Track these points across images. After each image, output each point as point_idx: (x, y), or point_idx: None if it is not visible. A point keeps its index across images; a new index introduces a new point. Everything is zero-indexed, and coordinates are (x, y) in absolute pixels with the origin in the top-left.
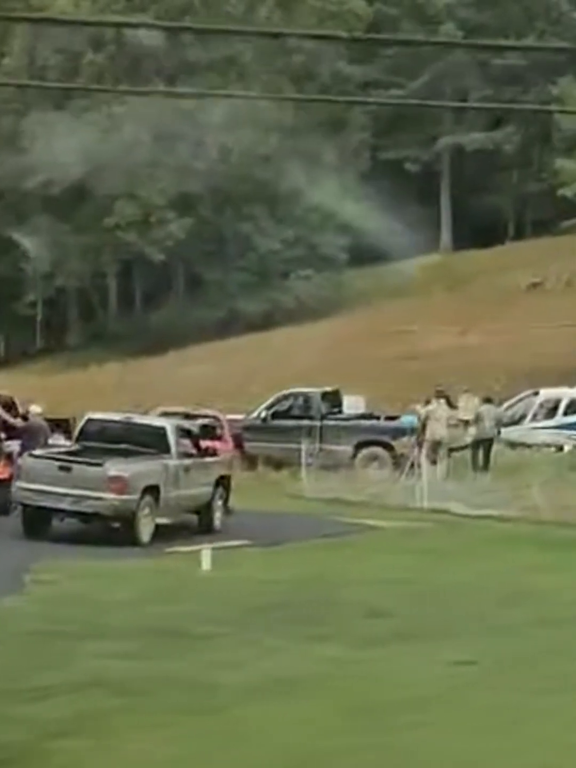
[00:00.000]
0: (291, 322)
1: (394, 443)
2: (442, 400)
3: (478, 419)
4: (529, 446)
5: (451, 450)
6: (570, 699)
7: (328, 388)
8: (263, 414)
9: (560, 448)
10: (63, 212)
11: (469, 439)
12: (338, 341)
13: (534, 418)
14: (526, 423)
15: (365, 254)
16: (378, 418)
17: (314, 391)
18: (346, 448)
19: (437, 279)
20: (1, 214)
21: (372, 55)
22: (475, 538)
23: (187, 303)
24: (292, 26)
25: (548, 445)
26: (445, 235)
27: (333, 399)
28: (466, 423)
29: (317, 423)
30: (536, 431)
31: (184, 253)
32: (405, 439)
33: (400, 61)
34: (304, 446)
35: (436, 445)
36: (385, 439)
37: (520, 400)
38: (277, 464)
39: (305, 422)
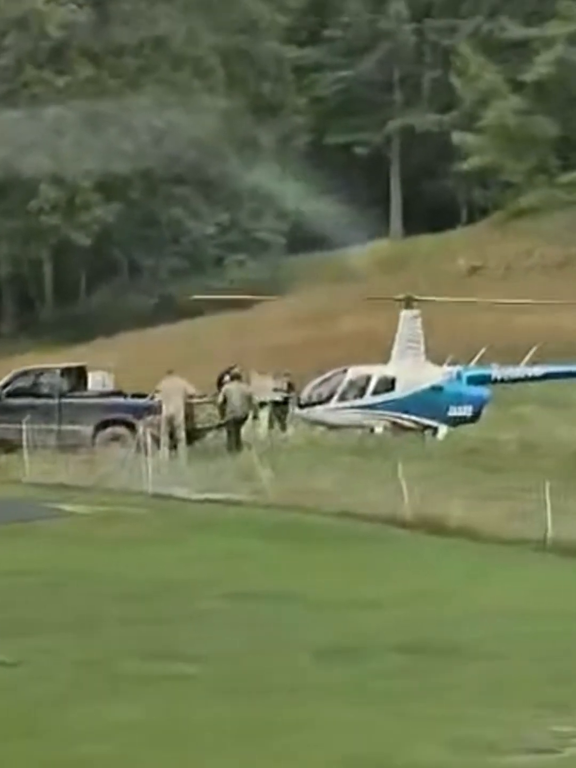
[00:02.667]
0: (225, 309)
1: (137, 422)
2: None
3: (226, 399)
4: (336, 427)
5: (197, 431)
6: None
7: (71, 365)
8: None
9: (372, 430)
10: None
11: (219, 421)
12: (261, 326)
13: (342, 397)
14: (333, 402)
15: (312, 240)
16: (125, 395)
17: (52, 367)
18: (87, 429)
19: (380, 264)
20: None
21: (315, 37)
22: (178, 525)
23: (120, 289)
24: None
25: (360, 427)
26: (395, 221)
27: (76, 376)
28: (222, 403)
29: (55, 402)
30: (342, 411)
31: (115, 237)
32: (150, 418)
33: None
34: (24, 427)
35: (171, 423)
36: (128, 418)
37: (328, 378)
38: (10, 447)
39: (43, 401)
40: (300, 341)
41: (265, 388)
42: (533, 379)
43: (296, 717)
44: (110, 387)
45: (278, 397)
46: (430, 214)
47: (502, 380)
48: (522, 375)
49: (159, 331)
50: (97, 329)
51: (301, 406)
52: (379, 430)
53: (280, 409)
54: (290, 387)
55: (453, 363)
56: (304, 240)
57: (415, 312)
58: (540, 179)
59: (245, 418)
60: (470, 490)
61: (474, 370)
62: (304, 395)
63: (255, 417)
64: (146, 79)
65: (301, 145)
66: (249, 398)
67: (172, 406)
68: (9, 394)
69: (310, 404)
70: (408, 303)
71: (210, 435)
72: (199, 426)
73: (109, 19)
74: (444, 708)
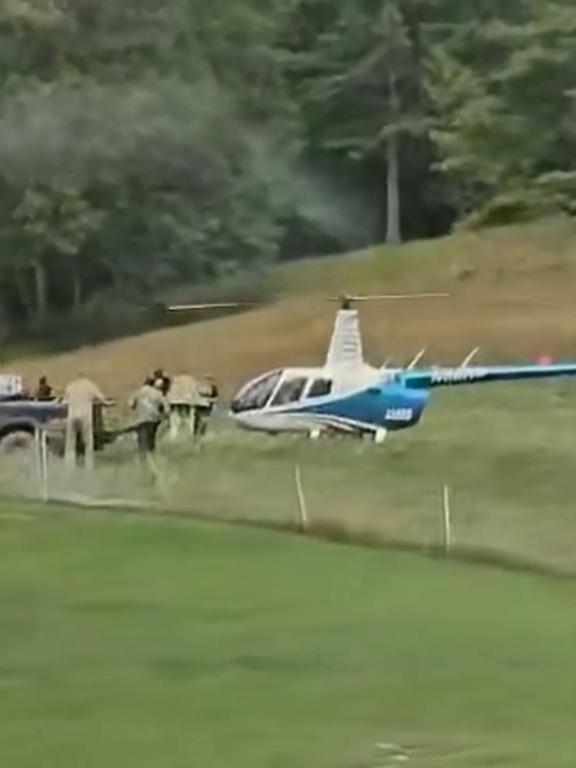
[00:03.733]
0: (216, 315)
1: (43, 427)
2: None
3: (136, 403)
4: (274, 432)
5: (106, 435)
6: None
7: None
8: None
9: (308, 434)
10: None
11: (133, 423)
12: (253, 332)
13: (277, 400)
14: (267, 406)
15: (308, 246)
16: (32, 399)
17: None
18: None
19: (375, 270)
20: None
21: (310, 41)
22: (62, 532)
23: (112, 297)
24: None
25: (295, 431)
26: (392, 226)
27: None
28: (132, 407)
29: None
30: (277, 415)
31: (102, 245)
32: (56, 422)
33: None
34: None
35: (77, 427)
36: (32, 422)
37: (264, 380)
38: None
39: None
40: (291, 347)
41: (186, 391)
42: (475, 380)
43: (101, 735)
44: (17, 391)
45: (202, 402)
46: (428, 219)
47: (443, 382)
48: (463, 377)
49: (148, 338)
50: (88, 337)
51: (235, 410)
52: (315, 434)
53: (201, 413)
54: (214, 391)
55: (391, 365)
56: (300, 246)
57: (352, 313)
58: (515, 181)
59: (157, 423)
60: (381, 496)
61: (413, 373)
62: (239, 398)
63: (167, 421)
64: (134, 86)
65: (293, 150)
66: (160, 401)
67: (79, 411)
68: None
69: (245, 408)
70: (345, 304)
71: (120, 439)
72: (107, 430)
73: (96, 25)
74: (271, 724)
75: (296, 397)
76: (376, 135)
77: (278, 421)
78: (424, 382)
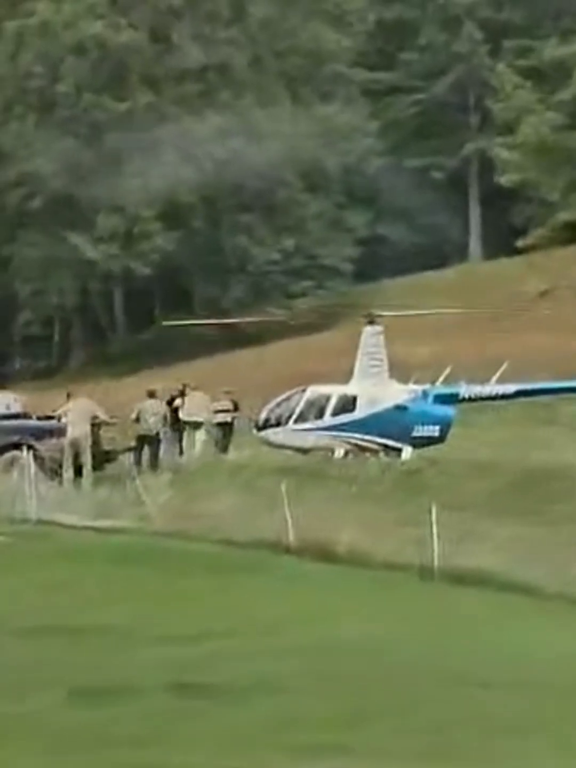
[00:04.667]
0: (288, 336)
1: (38, 446)
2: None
3: (139, 417)
4: (303, 451)
5: (106, 454)
6: None
7: None
8: None
9: (332, 453)
10: (47, 227)
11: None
12: (319, 354)
13: (300, 418)
14: (291, 423)
15: (387, 266)
16: (29, 417)
17: None
18: None
19: (457, 288)
20: None
21: (389, 59)
22: (38, 553)
23: (190, 318)
24: (288, 28)
25: (319, 449)
26: (474, 244)
27: None
28: (134, 421)
29: None
30: (300, 433)
31: (177, 266)
32: (54, 442)
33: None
34: None
35: (75, 446)
36: (29, 441)
37: (287, 398)
38: None
39: None
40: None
41: (198, 407)
42: (504, 397)
43: None
44: (16, 410)
45: (221, 418)
46: (512, 236)
47: (471, 399)
48: (492, 393)
49: (221, 358)
50: (164, 358)
51: (258, 428)
52: (339, 452)
53: (222, 429)
54: (235, 407)
55: (418, 381)
56: (379, 266)
57: (378, 328)
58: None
59: (158, 438)
60: (384, 514)
61: (441, 389)
62: (262, 416)
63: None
64: (208, 105)
65: (372, 169)
66: (164, 417)
67: (77, 430)
68: None
69: (268, 426)
70: (371, 319)
71: (122, 458)
72: (107, 449)
73: (171, 45)
74: (187, 754)
75: (320, 414)
76: (458, 153)
77: (301, 439)
78: (452, 399)
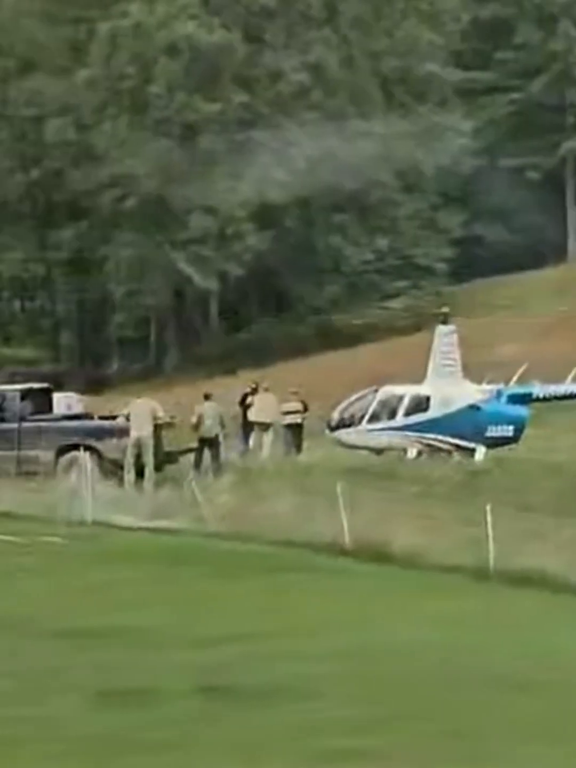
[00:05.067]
0: (383, 337)
1: (99, 446)
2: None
3: (199, 419)
4: (379, 452)
5: (168, 455)
6: None
7: (35, 386)
8: None
9: (405, 453)
10: (141, 228)
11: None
12: (412, 355)
13: (373, 418)
14: (363, 424)
15: (483, 266)
16: (91, 418)
17: (12, 389)
18: (47, 454)
19: (554, 288)
20: (86, 233)
21: (484, 58)
22: (85, 555)
23: (285, 318)
24: (381, 28)
25: (392, 449)
26: (573, 244)
27: (39, 399)
28: (195, 424)
29: (14, 425)
30: (374, 433)
31: (271, 266)
32: (114, 442)
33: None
34: None
35: (137, 446)
36: (90, 442)
37: (359, 398)
38: None
39: (1, 425)
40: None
41: (266, 408)
42: None
43: None
44: (77, 410)
45: (290, 419)
46: None
47: (545, 398)
48: (566, 392)
49: (315, 359)
50: (258, 359)
51: (331, 429)
52: (412, 452)
53: (292, 430)
54: (305, 407)
55: (491, 381)
56: (475, 266)
57: (451, 328)
58: None
59: (218, 440)
60: (443, 515)
61: (515, 389)
62: (335, 417)
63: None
64: (301, 106)
65: (467, 169)
66: (222, 418)
67: (141, 430)
68: None
69: (341, 426)
70: (444, 319)
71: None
72: (169, 449)
73: (263, 45)
74: (202, 759)
75: (393, 414)
76: (554, 153)
77: (374, 439)
78: (526, 398)
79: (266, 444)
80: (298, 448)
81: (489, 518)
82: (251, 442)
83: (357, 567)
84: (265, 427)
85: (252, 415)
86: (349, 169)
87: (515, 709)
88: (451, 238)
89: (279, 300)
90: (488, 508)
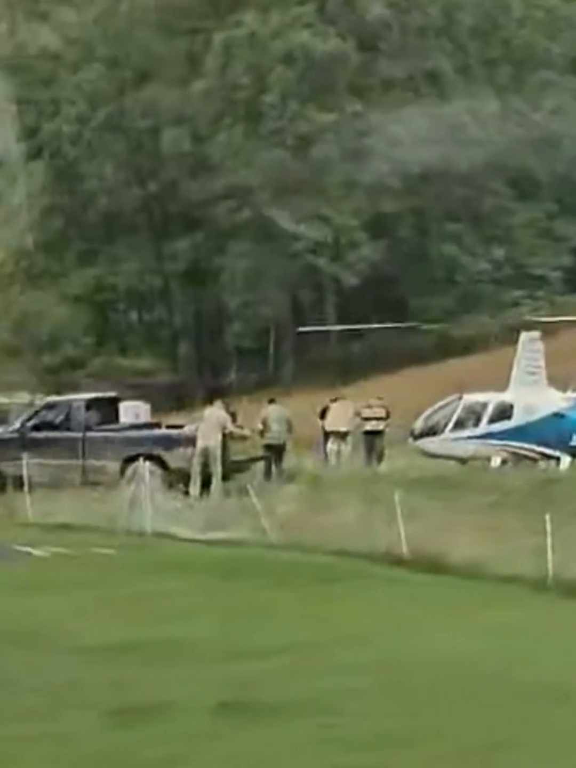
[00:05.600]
0: (499, 345)
1: (167, 456)
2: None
3: (265, 423)
4: (463, 460)
5: (236, 464)
6: None
7: (101, 396)
8: (20, 426)
9: (489, 461)
10: (254, 238)
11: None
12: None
13: (456, 426)
14: (447, 432)
15: None
16: (158, 427)
17: (78, 398)
18: (113, 464)
19: None
20: (202, 244)
21: None
22: (135, 566)
23: (400, 328)
24: (499, 37)
25: (476, 458)
26: None
27: (106, 408)
28: (261, 430)
29: (79, 435)
30: (457, 441)
31: (385, 276)
32: (181, 451)
33: None
34: (24, 462)
35: (204, 456)
36: (157, 451)
37: (445, 405)
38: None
39: (67, 435)
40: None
41: (344, 417)
42: None
43: None
44: (144, 419)
45: (371, 427)
46: None
47: None
48: None
49: (430, 368)
50: (379, 367)
51: (414, 437)
52: (496, 461)
53: (372, 438)
54: (387, 414)
55: None
56: None
57: (536, 335)
58: None
59: (284, 446)
60: (509, 525)
61: None
62: (418, 425)
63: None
64: (415, 113)
65: None
66: (289, 422)
67: (208, 439)
68: (34, 428)
69: (425, 434)
70: (528, 326)
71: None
72: (236, 459)
73: (378, 53)
74: None
75: (477, 422)
76: None
77: (457, 448)
78: None
79: (343, 453)
80: (380, 457)
81: (548, 528)
82: (329, 450)
83: (413, 577)
84: (341, 435)
85: (327, 425)
86: (463, 178)
87: (548, 722)
88: (570, 247)
89: (394, 310)
90: (548, 517)
